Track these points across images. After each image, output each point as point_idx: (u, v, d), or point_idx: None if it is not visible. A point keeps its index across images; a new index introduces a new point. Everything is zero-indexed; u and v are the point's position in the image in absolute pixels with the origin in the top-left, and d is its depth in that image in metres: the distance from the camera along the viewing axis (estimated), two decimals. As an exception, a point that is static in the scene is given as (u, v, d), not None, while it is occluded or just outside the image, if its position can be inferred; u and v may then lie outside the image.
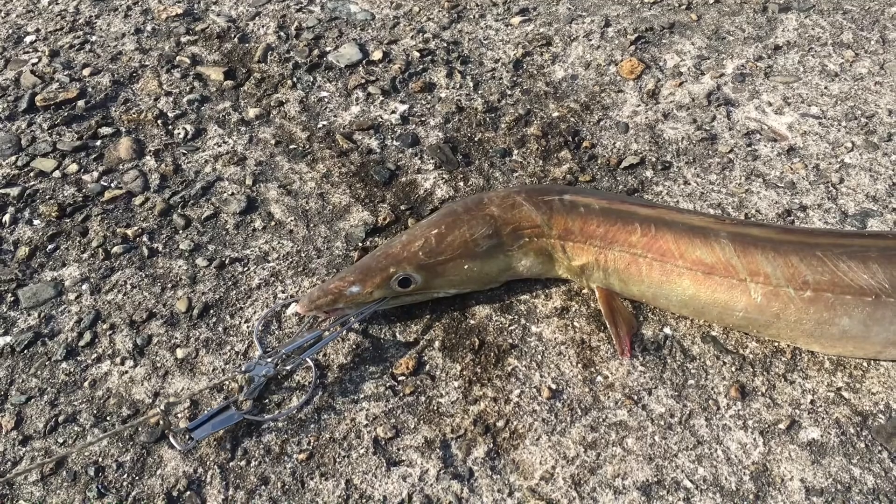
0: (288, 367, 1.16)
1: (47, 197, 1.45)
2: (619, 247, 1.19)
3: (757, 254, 1.12)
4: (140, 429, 1.10)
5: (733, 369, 1.17)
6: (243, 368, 1.13)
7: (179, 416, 1.12)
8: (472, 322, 1.25)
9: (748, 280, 1.12)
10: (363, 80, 1.71)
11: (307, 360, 1.17)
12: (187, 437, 1.07)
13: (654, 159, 1.51)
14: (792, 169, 1.47)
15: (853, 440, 1.08)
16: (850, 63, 1.71)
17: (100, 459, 1.08)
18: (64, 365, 1.19)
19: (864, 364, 1.16)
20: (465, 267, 1.21)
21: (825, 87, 1.65)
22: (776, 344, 1.19)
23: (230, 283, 1.31)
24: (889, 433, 1.09)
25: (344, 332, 1.21)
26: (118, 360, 1.20)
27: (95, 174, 1.50)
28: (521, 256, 1.24)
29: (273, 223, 1.41)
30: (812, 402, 1.12)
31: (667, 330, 1.22)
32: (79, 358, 1.20)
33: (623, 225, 1.19)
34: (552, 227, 1.22)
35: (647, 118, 1.60)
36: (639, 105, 1.63)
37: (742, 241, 1.14)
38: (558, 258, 1.24)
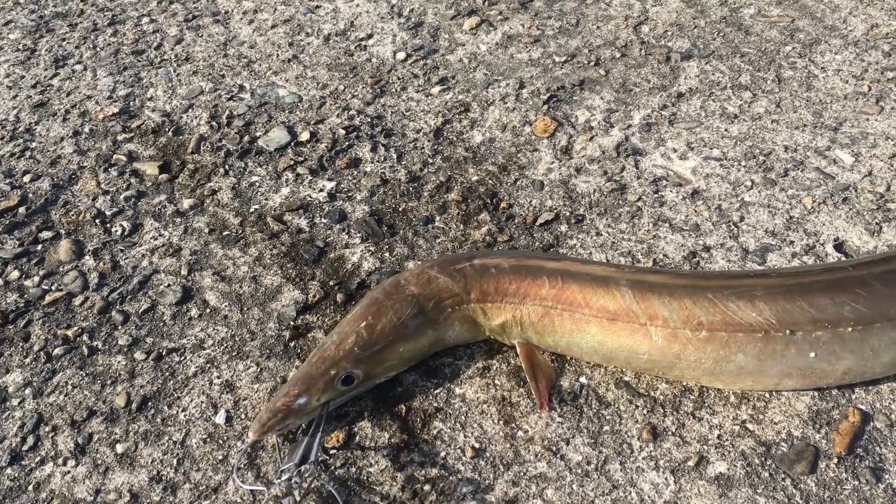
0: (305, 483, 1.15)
1: (-10, 306, 1.51)
2: (532, 301, 1.26)
3: (654, 299, 1.20)
4: (81, 527, 1.15)
5: (645, 412, 1.23)
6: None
7: (119, 510, 1.17)
8: (399, 389, 1.31)
9: (648, 324, 1.20)
10: (292, 162, 1.79)
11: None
12: None
13: (567, 213, 1.59)
14: (696, 211, 1.56)
15: (758, 470, 1.14)
16: (748, 104, 1.81)
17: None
18: (9, 470, 1.24)
19: (767, 396, 1.23)
20: (401, 350, 1.27)
21: (725, 130, 1.75)
22: (685, 384, 1.26)
23: (168, 373, 1.37)
24: (792, 460, 1.15)
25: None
26: (60, 460, 1.24)
27: (36, 279, 1.56)
28: (448, 327, 1.30)
29: (208, 310, 1.47)
30: (719, 436, 1.19)
31: (583, 379, 1.29)
32: (23, 462, 1.25)
33: (533, 279, 1.27)
34: (470, 292, 1.29)
35: (560, 174, 1.69)
36: (553, 162, 1.72)
37: (640, 287, 1.22)
38: (480, 321, 1.30)
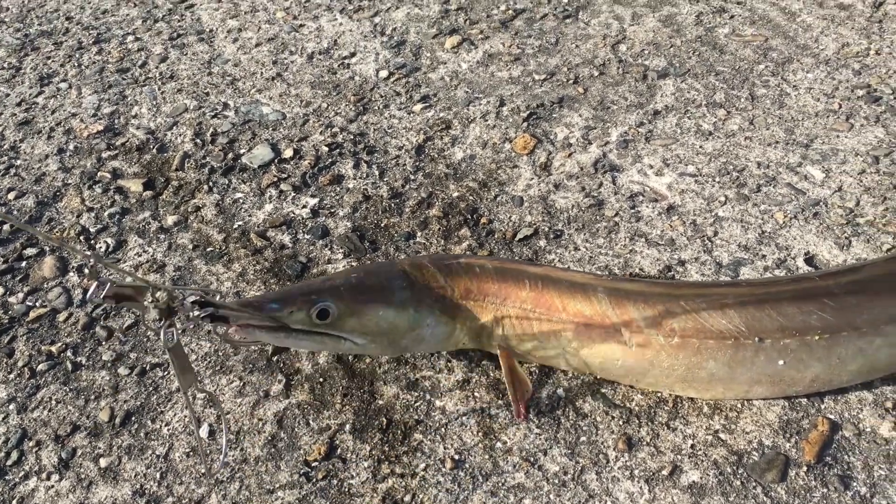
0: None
1: (-26, 322, 1.52)
2: (512, 303, 1.29)
3: (629, 305, 1.23)
4: None
5: (621, 422, 1.26)
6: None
7: None
8: (380, 402, 1.33)
9: (622, 329, 1.22)
10: (276, 179, 1.82)
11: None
12: None
13: (546, 229, 1.62)
14: (671, 226, 1.59)
15: (730, 479, 1.17)
16: (722, 121, 1.86)
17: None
18: (-8, 486, 1.25)
19: (739, 405, 1.26)
20: (380, 313, 1.25)
21: (700, 146, 1.79)
22: (660, 395, 1.29)
23: (151, 388, 1.38)
24: (762, 468, 1.18)
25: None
26: (44, 475, 1.26)
27: (21, 295, 1.57)
28: (429, 314, 1.28)
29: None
30: (692, 446, 1.22)
31: (560, 391, 1.32)
32: (7, 477, 1.26)
33: (514, 281, 1.30)
34: (454, 288, 1.30)
35: (540, 190, 1.72)
36: (532, 178, 1.76)
37: (616, 294, 1.25)
38: (460, 319, 1.30)
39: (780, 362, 1.19)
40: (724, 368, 1.21)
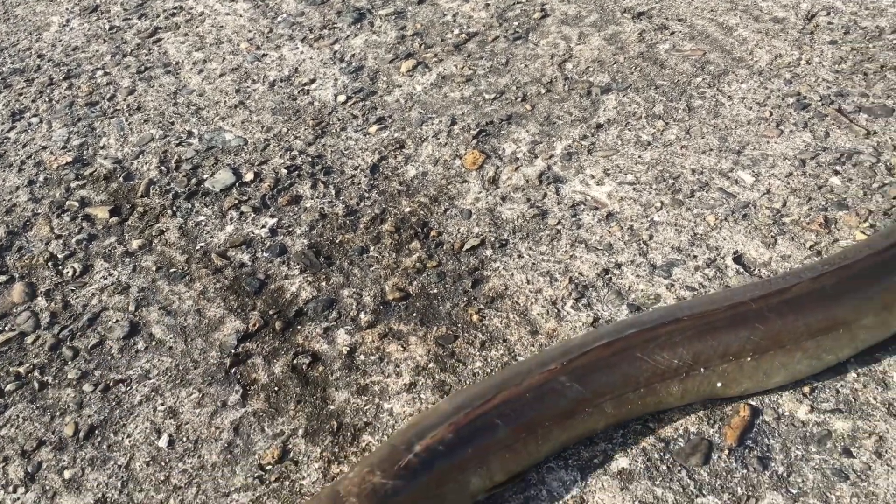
0: None
1: (-55, 347, 1.59)
2: (495, 452, 1.21)
3: (597, 378, 1.25)
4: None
5: (557, 417, 1.33)
6: None
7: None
8: (331, 407, 1.40)
9: (599, 403, 1.25)
10: (237, 201, 1.90)
11: None
12: None
13: (493, 239, 1.71)
14: (610, 232, 1.68)
15: (657, 464, 1.25)
16: (660, 132, 1.95)
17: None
18: (-39, 500, 1.31)
19: (667, 396, 1.34)
20: None
21: (639, 156, 1.88)
22: (594, 389, 1.36)
23: (114, 403, 1.45)
24: (687, 453, 1.26)
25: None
26: (10, 489, 1.32)
27: (-10, 320, 1.64)
28: None
29: (154, 343, 1.56)
30: (623, 434, 1.30)
31: (501, 390, 1.39)
32: (-25, 491, 1.33)
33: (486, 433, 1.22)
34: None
35: (487, 203, 1.81)
36: (480, 192, 1.84)
37: (581, 373, 1.25)
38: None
39: (719, 384, 1.28)
40: (677, 399, 1.29)
